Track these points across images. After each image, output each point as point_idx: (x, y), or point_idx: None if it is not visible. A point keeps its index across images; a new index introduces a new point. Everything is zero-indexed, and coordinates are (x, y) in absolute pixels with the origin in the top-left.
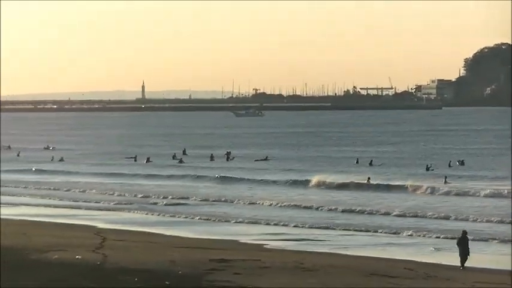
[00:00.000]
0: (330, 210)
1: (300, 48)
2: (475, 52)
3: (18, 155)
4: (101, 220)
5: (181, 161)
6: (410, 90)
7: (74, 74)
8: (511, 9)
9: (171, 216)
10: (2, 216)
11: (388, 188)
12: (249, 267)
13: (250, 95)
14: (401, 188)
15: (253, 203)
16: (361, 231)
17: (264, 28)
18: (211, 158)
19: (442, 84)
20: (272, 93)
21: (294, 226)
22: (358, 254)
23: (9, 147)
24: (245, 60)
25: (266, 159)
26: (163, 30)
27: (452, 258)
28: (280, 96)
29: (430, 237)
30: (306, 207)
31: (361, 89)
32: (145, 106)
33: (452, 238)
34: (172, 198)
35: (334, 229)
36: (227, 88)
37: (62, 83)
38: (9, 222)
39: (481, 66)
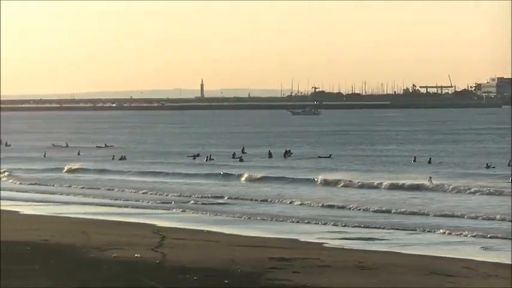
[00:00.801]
0: (388, 210)
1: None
2: None
3: (78, 154)
4: (160, 218)
5: (241, 160)
6: (470, 89)
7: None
8: None
9: (229, 215)
10: (62, 215)
11: (448, 187)
12: (309, 265)
13: (309, 93)
14: (460, 188)
15: (313, 202)
16: (419, 230)
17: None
18: (270, 155)
19: (502, 82)
20: (331, 91)
21: (354, 226)
22: (418, 252)
23: (67, 145)
24: (304, 58)
25: (330, 157)
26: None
27: None
28: (339, 94)
29: (490, 237)
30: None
31: (420, 87)
32: (203, 104)
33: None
34: (228, 198)
35: (395, 229)
36: (286, 86)
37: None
38: (69, 220)
39: None
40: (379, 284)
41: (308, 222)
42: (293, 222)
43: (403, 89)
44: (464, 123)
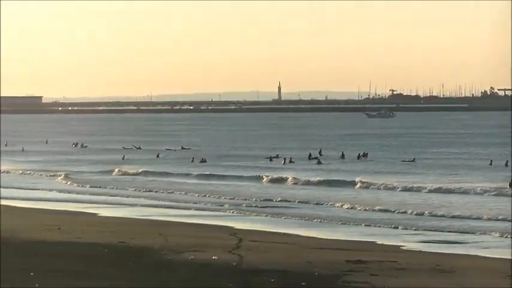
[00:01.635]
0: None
1: (437, 48)
2: None
3: (157, 156)
4: (237, 220)
5: (319, 162)
6: None
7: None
8: None
9: (306, 218)
10: (138, 217)
11: None
12: (386, 268)
13: (387, 95)
14: None
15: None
16: (497, 234)
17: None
18: (342, 156)
19: None
20: (409, 94)
21: (431, 230)
22: (496, 256)
23: (139, 147)
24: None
25: (413, 160)
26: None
27: None
28: (417, 97)
29: None
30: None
31: (498, 90)
32: (281, 107)
33: None
34: (303, 202)
35: (472, 233)
36: (364, 89)
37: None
38: (146, 222)
39: None
40: (455, 286)
41: (385, 226)
42: (368, 226)
43: (481, 92)
44: None
